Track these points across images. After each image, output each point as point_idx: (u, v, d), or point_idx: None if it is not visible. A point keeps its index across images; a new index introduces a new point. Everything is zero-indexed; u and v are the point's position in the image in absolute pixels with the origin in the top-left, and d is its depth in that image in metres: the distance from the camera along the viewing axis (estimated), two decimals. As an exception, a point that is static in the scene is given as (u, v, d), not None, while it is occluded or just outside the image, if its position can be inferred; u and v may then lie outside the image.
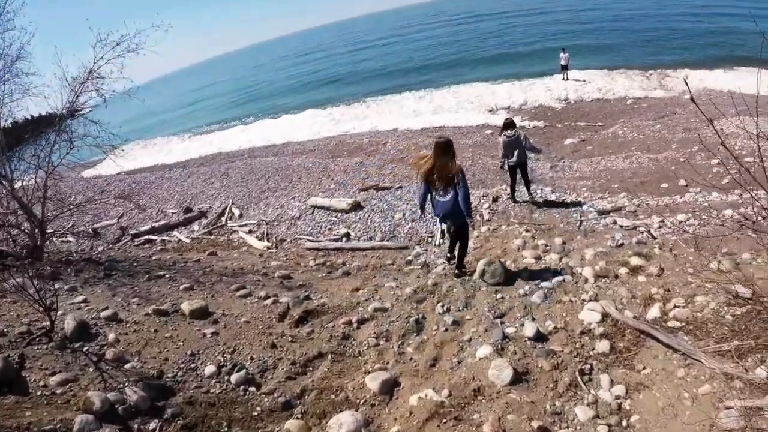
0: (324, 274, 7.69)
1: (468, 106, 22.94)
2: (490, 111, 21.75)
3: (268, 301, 6.02)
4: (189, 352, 4.72)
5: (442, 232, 6.21)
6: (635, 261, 6.21)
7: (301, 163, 15.56)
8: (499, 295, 5.78)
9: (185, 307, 5.52)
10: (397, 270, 7.80)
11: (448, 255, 7.02)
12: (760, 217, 8.09)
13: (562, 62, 24.64)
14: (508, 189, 10.23)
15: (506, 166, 9.56)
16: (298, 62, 65.82)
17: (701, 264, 6.10)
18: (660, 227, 8.26)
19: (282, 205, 11.63)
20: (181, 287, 6.49)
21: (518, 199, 10.12)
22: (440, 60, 37.32)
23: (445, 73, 31.77)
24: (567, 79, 24.79)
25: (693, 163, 12.25)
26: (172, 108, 51.40)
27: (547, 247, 7.38)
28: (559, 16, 56.69)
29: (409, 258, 8.22)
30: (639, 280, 5.78)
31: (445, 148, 5.65)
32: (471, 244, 7.48)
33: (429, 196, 5.96)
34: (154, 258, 8.97)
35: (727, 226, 8.04)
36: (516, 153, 9.23)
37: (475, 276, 6.21)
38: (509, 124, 9.35)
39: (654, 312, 4.96)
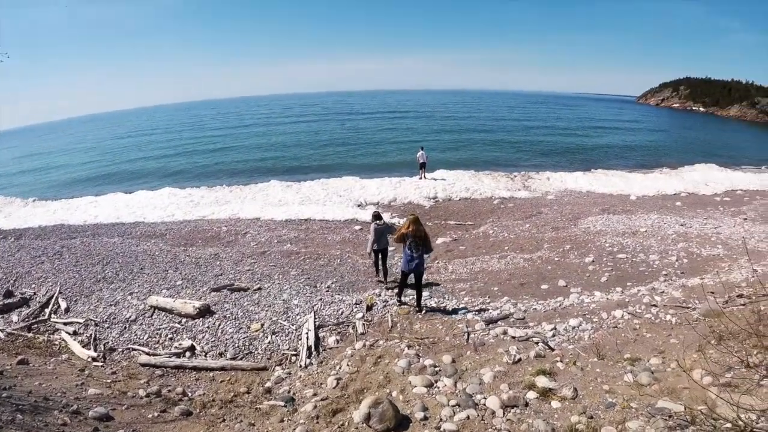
0: (156, 414, 6.09)
1: (336, 199, 22.87)
2: (359, 206, 21.77)
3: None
4: None
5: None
6: (542, 382, 5.62)
7: (148, 249, 14.52)
8: (391, 451, 4.71)
9: None
10: (253, 406, 6.57)
11: (399, 300, 9.93)
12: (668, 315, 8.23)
13: (421, 160, 26.19)
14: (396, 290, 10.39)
15: (370, 251, 11.25)
16: (165, 138, 62.43)
17: (612, 377, 5.70)
18: (554, 335, 8.00)
19: (117, 301, 10.29)
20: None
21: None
22: (313, 159, 37.89)
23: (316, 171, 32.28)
24: (425, 177, 26.38)
25: (568, 262, 12.72)
26: (23, 167, 47.00)
27: (437, 369, 6.60)
28: (437, 122, 63.95)
29: (269, 385, 7.22)
30: (553, 406, 5.14)
31: (418, 220, 9.08)
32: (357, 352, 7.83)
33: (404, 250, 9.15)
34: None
35: (621, 327, 8.04)
36: (381, 240, 11.15)
37: (357, 419, 5.11)
38: (378, 215, 11.27)
39: (584, 450, 4.23)
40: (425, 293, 10.77)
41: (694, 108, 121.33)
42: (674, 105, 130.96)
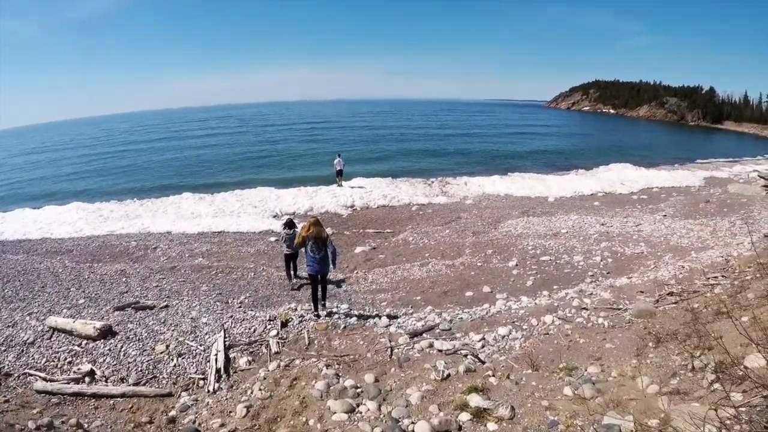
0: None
1: (251, 211, 22.12)
2: (274, 216, 21.07)
3: None
4: None
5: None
6: (475, 400, 5.10)
7: (52, 266, 13.67)
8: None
9: None
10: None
11: (316, 313, 9.48)
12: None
13: (338, 167, 26.00)
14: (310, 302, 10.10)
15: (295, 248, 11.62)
16: (75, 154, 57.70)
17: (550, 390, 5.27)
18: (483, 347, 7.58)
19: (15, 322, 9.19)
20: None
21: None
22: (228, 171, 36.77)
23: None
24: (342, 185, 26.17)
25: (492, 267, 12.50)
26: None
27: (359, 390, 5.98)
28: (354, 132, 64.36)
29: (173, 414, 6.50)
30: (490, 429, 4.64)
31: (318, 222, 9.46)
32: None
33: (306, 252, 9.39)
34: None
35: (552, 333, 7.72)
36: (293, 245, 11.50)
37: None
38: (290, 223, 12.30)
39: (531, 482, 3.69)
40: (344, 306, 10.25)
41: (604, 110, 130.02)
42: (585, 108, 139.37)
